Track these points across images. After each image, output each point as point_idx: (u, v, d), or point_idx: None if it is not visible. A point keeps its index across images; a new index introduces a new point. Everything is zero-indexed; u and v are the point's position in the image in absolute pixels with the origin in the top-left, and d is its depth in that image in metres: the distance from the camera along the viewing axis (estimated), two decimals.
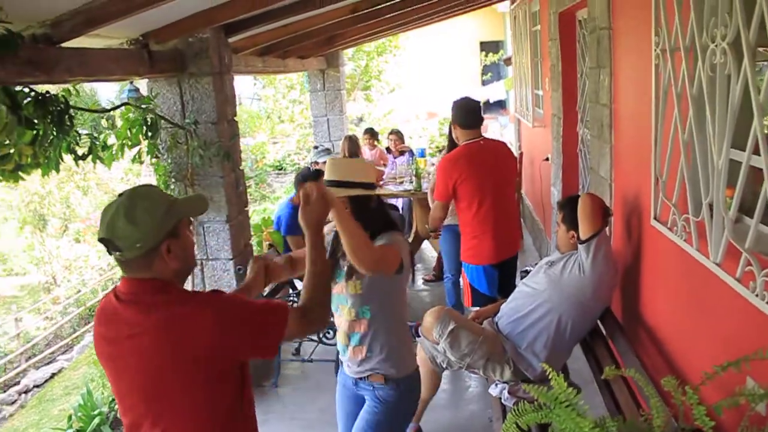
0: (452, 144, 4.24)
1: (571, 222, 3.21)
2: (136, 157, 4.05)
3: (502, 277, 4.18)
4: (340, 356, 2.70)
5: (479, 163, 4.02)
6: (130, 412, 1.81)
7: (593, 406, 2.89)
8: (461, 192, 4.01)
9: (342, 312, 2.54)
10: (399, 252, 2.40)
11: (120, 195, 1.74)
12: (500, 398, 3.29)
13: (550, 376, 2.17)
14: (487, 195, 4.02)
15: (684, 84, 2.39)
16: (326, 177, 2.45)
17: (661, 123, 2.69)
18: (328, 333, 4.37)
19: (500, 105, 17.38)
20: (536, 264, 3.60)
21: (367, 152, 8.17)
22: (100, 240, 1.71)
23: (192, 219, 1.92)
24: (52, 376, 11.05)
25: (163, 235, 1.69)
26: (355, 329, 2.51)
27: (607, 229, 3.30)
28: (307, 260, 2.01)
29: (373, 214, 2.48)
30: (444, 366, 3.40)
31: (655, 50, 2.67)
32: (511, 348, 3.24)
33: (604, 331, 3.30)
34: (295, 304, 1.92)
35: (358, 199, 2.42)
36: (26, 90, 2.96)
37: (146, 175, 14.02)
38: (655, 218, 2.81)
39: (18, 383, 11.06)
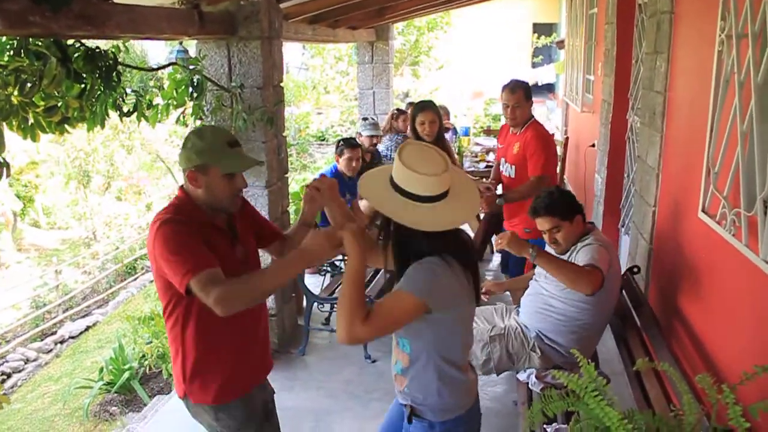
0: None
1: (563, 217, 3.08)
2: (181, 118, 4.07)
3: None
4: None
5: None
6: None
7: (622, 398, 2.84)
8: None
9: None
10: (414, 296, 1.92)
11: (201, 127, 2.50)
12: (527, 383, 3.25)
13: (580, 363, 2.12)
14: None
15: (748, 72, 2.28)
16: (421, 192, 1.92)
17: (719, 112, 2.59)
18: None
19: (549, 89, 17.05)
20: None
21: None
22: None
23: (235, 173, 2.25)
24: (87, 328, 11.42)
25: (192, 165, 2.17)
26: (399, 358, 2.16)
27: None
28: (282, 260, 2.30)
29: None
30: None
31: (720, 36, 2.56)
32: (535, 336, 3.21)
33: (638, 323, 3.22)
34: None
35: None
36: (77, 44, 2.99)
37: None
38: (703, 211, 2.72)
39: (54, 333, 11.45)
